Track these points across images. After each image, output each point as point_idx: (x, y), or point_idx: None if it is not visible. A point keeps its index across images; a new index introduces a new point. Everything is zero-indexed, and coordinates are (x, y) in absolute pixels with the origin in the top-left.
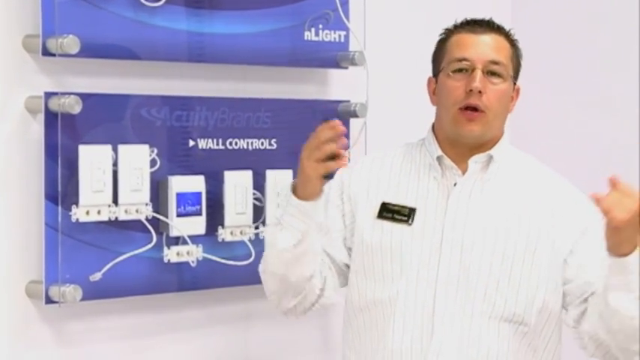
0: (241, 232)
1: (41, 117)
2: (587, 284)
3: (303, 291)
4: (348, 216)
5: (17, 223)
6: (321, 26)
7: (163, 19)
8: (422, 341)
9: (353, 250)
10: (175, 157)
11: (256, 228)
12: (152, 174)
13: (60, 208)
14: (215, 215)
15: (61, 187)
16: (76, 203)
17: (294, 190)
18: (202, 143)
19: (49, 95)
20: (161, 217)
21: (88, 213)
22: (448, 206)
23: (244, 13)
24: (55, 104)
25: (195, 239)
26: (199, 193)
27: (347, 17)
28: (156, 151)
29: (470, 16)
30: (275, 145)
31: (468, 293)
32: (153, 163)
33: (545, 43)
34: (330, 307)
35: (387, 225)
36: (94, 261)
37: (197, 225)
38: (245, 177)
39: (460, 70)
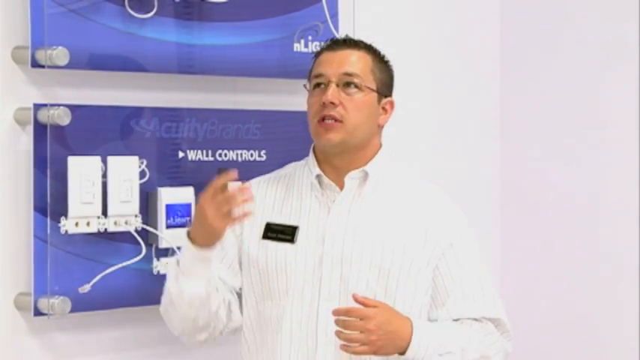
0: None
1: (30, 128)
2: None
3: (212, 322)
4: (239, 239)
5: (6, 234)
6: (310, 38)
7: (153, 30)
8: (307, 359)
9: (242, 271)
10: (165, 168)
11: None
12: (141, 185)
13: (49, 219)
14: None
15: (50, 199)
16: (65, 215)
17: (191, 236)
18: (192, 154)
19: (38, 107)
20: (150, 229)
21: (77, 224)
22: (328, 222)
23: (234, 24)
24: (44, 116)
25: None
26: (189, 205)
27: (336, 29)
28: (145, 162)
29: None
30: (264, 157)
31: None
32: (142, 174)
33: (533, 54)
34: (238, 330)
35: (272, 245)
36: (83, 273)
37: None
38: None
39: (318, 85)
